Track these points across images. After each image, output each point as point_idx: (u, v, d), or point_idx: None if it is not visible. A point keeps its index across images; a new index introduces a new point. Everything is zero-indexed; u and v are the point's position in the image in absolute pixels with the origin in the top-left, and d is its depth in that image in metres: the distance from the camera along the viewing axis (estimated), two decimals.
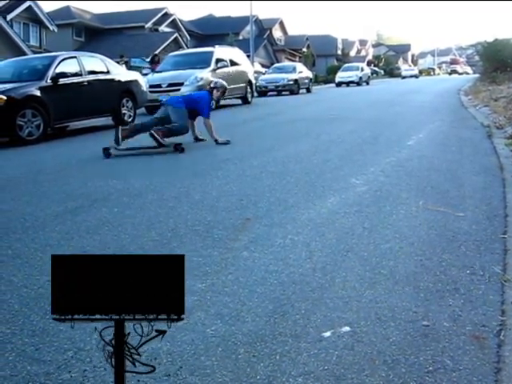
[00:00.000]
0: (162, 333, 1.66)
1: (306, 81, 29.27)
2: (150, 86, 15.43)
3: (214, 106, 8.95)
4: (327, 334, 2.42)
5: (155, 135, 8.07)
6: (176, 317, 1.64)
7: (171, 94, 15.03)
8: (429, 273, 3.09)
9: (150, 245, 3.79)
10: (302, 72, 29.16)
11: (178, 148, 7.97)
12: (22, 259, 3.64)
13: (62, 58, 11.95)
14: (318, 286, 2.95)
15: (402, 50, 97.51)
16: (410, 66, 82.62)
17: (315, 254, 3.44)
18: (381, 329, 2.46)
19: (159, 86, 16.16)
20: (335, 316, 2.58)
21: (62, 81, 11.34)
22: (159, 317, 1.63)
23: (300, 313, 2.63)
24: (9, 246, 3.93)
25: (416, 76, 57.62)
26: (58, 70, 11.38)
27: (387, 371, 2.14)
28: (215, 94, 8.94)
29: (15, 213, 4.97)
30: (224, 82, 9.20)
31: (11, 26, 30.77)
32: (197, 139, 9.01)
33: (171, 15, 48.94)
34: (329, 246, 3.59)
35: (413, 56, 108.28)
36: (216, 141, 8.56)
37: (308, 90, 29.20)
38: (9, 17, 31.88)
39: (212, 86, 9.10)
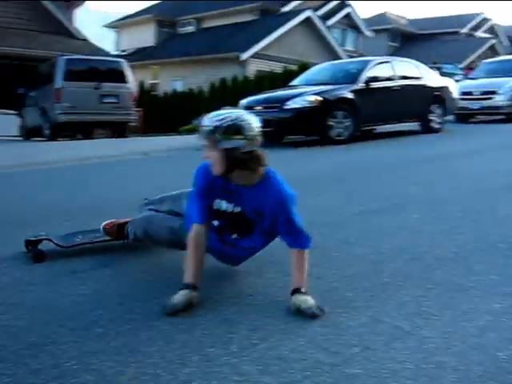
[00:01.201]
0: None
1: None
2: (462, 94, 14.94)
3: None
4: None
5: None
6: None
7: (483, 102, 14.49)
8: None
9: (447, 257, 3.70)
10: None
11: (36, 255, 3.72)
12: (323, 251, 3.81)
13: (375, 62, 12.28)
14: None
15: None
16: None
17: None
18: None
19: (470, 93, 15.58)
20: None
21: (374, 84, 11.63)
22: None
23: None
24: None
25: None
26: (370, 74, 11.69)
27: None
28: None
29: (318, 207, 5.23)
30: None
31: (329, 32, 32.59)
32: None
33: (488, 20, 47.00)
34: None
35: None
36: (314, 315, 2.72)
37: None
38: (328, 22, 33.85)
39: None
